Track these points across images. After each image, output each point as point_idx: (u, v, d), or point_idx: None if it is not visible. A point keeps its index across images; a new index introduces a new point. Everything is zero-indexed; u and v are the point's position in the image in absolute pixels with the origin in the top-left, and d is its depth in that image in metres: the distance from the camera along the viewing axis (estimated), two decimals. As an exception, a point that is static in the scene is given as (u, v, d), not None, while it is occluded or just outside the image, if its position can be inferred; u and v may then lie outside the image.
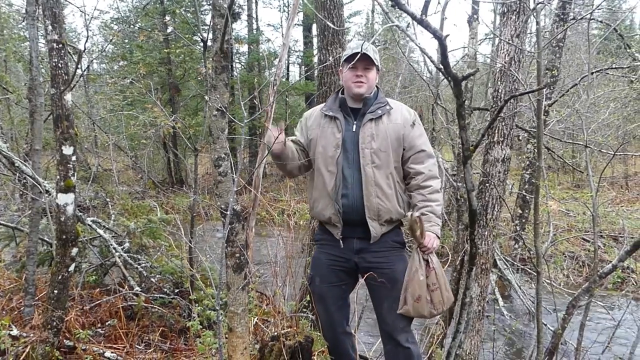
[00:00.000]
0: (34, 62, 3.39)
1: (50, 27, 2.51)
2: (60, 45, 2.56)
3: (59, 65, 2.58)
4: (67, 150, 2.64)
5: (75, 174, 2.72)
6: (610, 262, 2.37)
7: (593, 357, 3.63)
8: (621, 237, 7.74)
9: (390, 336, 2.39)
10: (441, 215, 2.37)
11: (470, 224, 1.38)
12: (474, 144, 1.75)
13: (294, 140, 2.56)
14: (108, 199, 8.20)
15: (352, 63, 2.25)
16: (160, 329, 3.60)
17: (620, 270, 6.62)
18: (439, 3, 3.82)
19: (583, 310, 2.85)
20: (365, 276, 2.40)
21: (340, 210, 2.35)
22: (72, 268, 2.80)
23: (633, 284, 6.54)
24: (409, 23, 5.67)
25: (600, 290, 6.15)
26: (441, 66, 1.02)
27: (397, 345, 2.37)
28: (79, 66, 2.65)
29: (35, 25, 3.41)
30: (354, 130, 2.37)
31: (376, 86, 2.47)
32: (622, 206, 10.45)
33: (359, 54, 2.19)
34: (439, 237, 2.31)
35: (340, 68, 2.44)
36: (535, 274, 2.78)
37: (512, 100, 2.96)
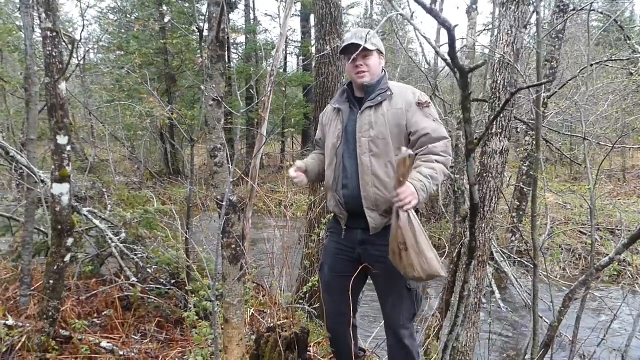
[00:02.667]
0: (28, 51, 3.36)
1: (44, 15, 2.48)
2: (55, 34, 2.53)
3: (53, 54, 2.55)
4: (62, 140, 2.62)
5: (71, 163, 2.70)
6: (607, 255, 2.37)
7: (589, 350, 3.64)
8: (618, 230, 7.76)
9: (394, 332, 2.37)
10: (429, 179, 2.06)
11: (471, 218, 1.37)
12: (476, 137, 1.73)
13: (318, 139, 2.59)
14: (104, 190, 8.18)
15: (348, 54, 2.20)
16: (157, 319, 3.60)
17: (617, 263, 6.64)
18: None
19: (579, 303, 2.85)
20: (367, 269, 2.35)
21: (341, 202, 2.33)
22: (67, 258, 2.79)
23: (630, 277, 6.56)
24: (412, 13, 5.61)
25: (597, 283, 6.17)
26: (448, 57, 0.99)
27: (399, 341, 2.35)
28: (75, 55, 2.62)
29: (30, 14, 3.37)
30: (356, 119, 2.33)
31: (383, 70, 2.38)
32: (619, 199, 10.47)
33: (358, 46, 2.13)
34: (418, 198, 1.99)
35: (343, 61, 2.39)
36: (532, 267, 2.78)
37: (510, 92, 2.93)
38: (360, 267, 2.37)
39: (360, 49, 2.10)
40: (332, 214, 2.52)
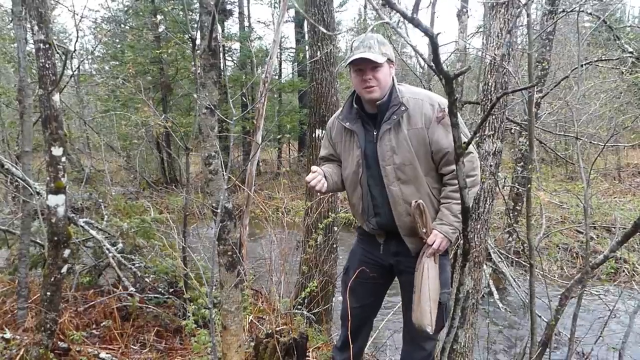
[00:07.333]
0: (21, 62, 3.37)
1: (36, 28, 2.49)
2: (47, 46, 2.54)
3: (47, 65, 2.56)
4: (57, 151, 2.62)
5: (66, 175, 2.70)
6: (603, 253, 2.39)
7: (586, 347, 3.66)
8: (613, 228, 7.80)
9: (413, 340, 2.36)
10: (459, 218, 2.07)
11: (463, 221, 1.39)
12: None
13: (326, 156, 2.41)
14: (101, 200, 8.16)
15: (356, 66, 2.06)
16: (155, 328, 3.59)
17: (613, 261, 6.67)
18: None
19: (576, 301, 2.87)
20: (399, 278, 2.38)
21: (375, 228, 2.28)
22: (64, 270, 2.78)
23: (625, 274, 6.59)
24: (399, 20, 5.66)
25: (594, 281, 6.19)
26: (432, 64, 1.02)
27: (420, 348, 2.35)
28: (68, 66, 2.62)
29: (22, 26, 3.38)
30: (374, 142, 2.15)
31: (392, 78, 2.17)
32: (614, 197, 10.51)
33: (366, 60, 2.00)
34: (449, 240, 2.08)
35: (348, 71, 2.19)
36: (529, 267, 2.79)
37: (496, 96, 2.96)
38: (389, 275, 2.41)
39: (362, 60, 2.00)
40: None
